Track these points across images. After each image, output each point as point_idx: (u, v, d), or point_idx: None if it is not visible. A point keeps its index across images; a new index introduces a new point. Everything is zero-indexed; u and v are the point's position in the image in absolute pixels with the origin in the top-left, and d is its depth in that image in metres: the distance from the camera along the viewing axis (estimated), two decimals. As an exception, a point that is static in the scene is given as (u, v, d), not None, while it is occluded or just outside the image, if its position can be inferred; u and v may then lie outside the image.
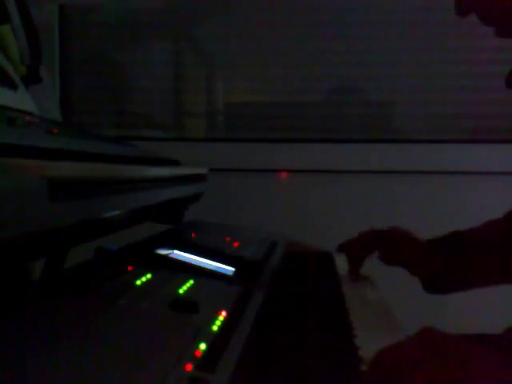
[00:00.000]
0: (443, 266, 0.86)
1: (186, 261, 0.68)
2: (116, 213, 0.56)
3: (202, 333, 0.45)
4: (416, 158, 1.50)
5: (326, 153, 1.53)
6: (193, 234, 0.89)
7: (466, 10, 0.64)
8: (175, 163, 0.94)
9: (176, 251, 0.71)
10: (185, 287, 0.57)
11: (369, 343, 0.53)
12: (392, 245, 0.90)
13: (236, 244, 0.87)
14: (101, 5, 1.68)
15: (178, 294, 0.54)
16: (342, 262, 0.94)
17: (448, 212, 1.45)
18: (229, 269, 0.70)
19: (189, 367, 0.37)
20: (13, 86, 0.83)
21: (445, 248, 0.87)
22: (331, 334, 0.55)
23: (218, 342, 0.44)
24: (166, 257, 0.68)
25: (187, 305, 0.49)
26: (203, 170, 0.99)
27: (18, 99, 0.83)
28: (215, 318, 0.49)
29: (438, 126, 1.57)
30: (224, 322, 0.49)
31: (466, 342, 0.49)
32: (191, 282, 0.59)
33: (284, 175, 1.56)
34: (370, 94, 1.61)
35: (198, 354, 0.40)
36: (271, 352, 0.48)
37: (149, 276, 0.57)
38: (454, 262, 0.86)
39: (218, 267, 0.69)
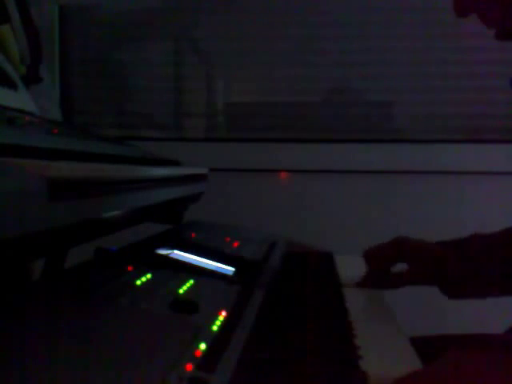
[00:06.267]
0: (459, 270, 0.82)
1: (186, 261, 0.68)
2: (116, 213, 0.56)
3: (202, 333, 0.45)
4: (416, 158, 1.50)
5: (326, 153, 1.53)
6: (193, 234, 0.89)
7: (465, 10, 0.63)
8: (175, 163, 0.94)
9: (176, 251, 0.71)
10: (185, 287, 0.57)
11: (369, 343, 0.53)
12: (405, 258, 0.85)
13: (236, 244, 0.87)
14: (101, 5, 1.68)
15: (178, 294, 0.54)
16: (341, 262, 0.94)
17: (448, 212, 1.46)
18: (229, 269, 0.70)
19: (189, 367, 0.37)
20: (13, 86, 0.83)
21: (462, 250, 0.83)
22: (331, 334, 0.55)
23: (218, 342, 0.44)
24: (166, 257, 0.68)
25: (187, 305, 0.49)
26: (203, 170, 0.99)
27: (18, 99, 0.83)
28: (215, 317, 0.49)
29: (438, 126, 1.57)
30: (224, 322, 0.49)
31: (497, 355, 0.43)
32: (191, 281, 0.59)
33: (284, 175, 1.56)
34: (370, 94, 1.61)
35: (198, 354, 0.40)
36: (271, 352, 0.48)
37: (149, 276, 0.57)
38: (469, 266, 0.82)
39: (218, 267, 0.69)
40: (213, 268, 0.69)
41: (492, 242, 0.83)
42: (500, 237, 0.83)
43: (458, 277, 0.82)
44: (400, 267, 0.86)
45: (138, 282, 0.54)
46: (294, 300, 0.67)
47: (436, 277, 0.84)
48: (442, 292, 0.85)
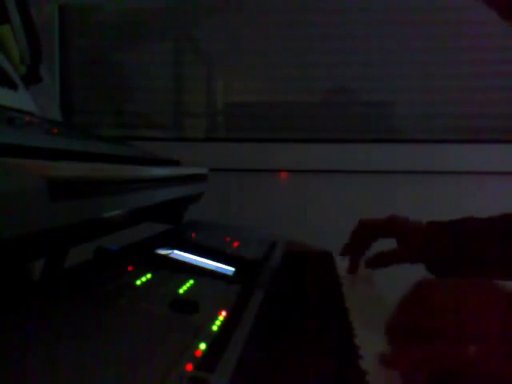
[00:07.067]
0: (449, 248, 0.84)
1: (186, 261, 0.68)
2: (116, 213, 0.56)
3: (202, 333, 0.45)
4: (416, 158, 1.50)
5: (326, 153, 1.53)
6: (193, 234, 0.89)
7: None
8: (175, 163, 0.94)
9: (176, 251, 0.71)
10: (185, 287, 0.57)
11: (369, 343, 0.53)
12: (394, 233, 0.88)
13: (236, 244, 0.87)
14: (101, 5, 1.68)
15: (178, 294, 0.54)
16: (342, 262, 0.94)
17: (448, 212, 1.45)
18: (229, 269, 0.70)
19: (189, 367, 0.37)
20: (13, 86, 0.83)
21: (452, 230, 0.85)
22: (331, 334, 0.55)
23: (218, 342, 0.44)
24: (165, 257, 0.68)
25: (187, 305, 0.49)
26: (203, 170, 0.99)
27: (18, 99, 0.83)
28: (215, 317, 0.49)
29: (438, 126, 1.57)
30: (224, 322, 0.49)
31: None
32: (191, 282, 0.59)
33: (284, 175, 1.56)
34: (370, 94, 1.61)
35: (198, 353, 0.40)
36: (271, 352, 0.48)
37: (149, 276, 0.57)
38: (460, 246, 0.83)
39: (218, 267, 0.69)
40: (213, 268, 0.69)
41: (487, 225, 0.84)
42: (497, 221, 0.84)
43: (443, 256, 0.84)
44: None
45: (138, 282, 0.54)
46: (293, 300, 0.67)
47: (422, 254, 0.86)
48: (428, 270, 0.86)
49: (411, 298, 0.50)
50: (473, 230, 0.84)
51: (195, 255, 0.71)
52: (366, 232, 0.91)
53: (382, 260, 0.87)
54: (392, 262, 0.87)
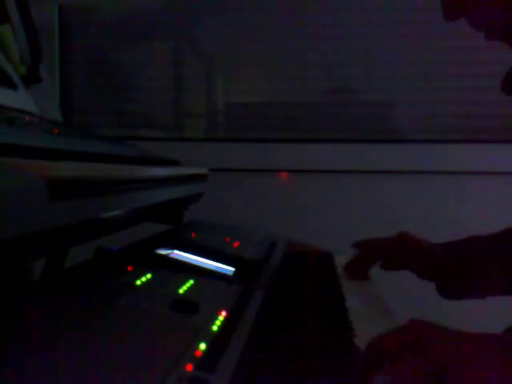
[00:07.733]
0: (456, 271, 0.85)
1: (186, 261, 0.68)
2: (116, 213, 0.57)
3: (202, 333, 0.45)
4: (416, 158, 1.50)
5: (326, 153, 1.53)
6: (193, 234, 0.89)
7: (454, 15, 0.65)
8: (175, 163, 0.94)
9: (176, 251, 0.71)
10: (185, 287, 0.57)
11: (369, 343, 0.53)
12: (404, 247, 0.88)
13: (236, 244, 0.87)
14: (101, 5, 1.68)
15: (178, 293, 0.54)
16: (342, 263, 0.94)
17: (448, 212, 1.45)
18: (229, 269, 0.70)
19: (189, 367, 0.37)
20: (13, 86, 0.83)
21: (458, 252, 0.85)
22: (331, 334, 0.55)
23: (218, 342, 0.44)
24: (166, 257, 0.68)
25: (187, 305, 0.49)
26: (203, 170, 0.99)
27: (18, 99, 0.83)
28: (215, 318, 0.49)
29: (438, 125, 1.57)
30: (224, 322, 0.49)
31: (457, 333, 0.48)
32: (191, 281, 0.59)
33: (284, 175, 1.56)
34: (370, 93, 1.61)
35: (198, 354, 0.40)
36: (271, 352, 0.48)
37: (149, 276, 0.57)
38: (466, 268, 0.84)
39: (218, 267, 0.69)
40: (213, 268, 0.69)
41: (490, 243, 0.84)
42: (499, 237, 0.84)
43: (454, 279, 0.84)
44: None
45: (138, 282, 0.54)
46: (294, 300, 0.67)
47: (432, 276, 0.87)
48: (440, 293, 0.87)
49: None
50: (477, 250, 0.84)
51: (195, 255, 0.71)
52: (374, 254, 0.90)
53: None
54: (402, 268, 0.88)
